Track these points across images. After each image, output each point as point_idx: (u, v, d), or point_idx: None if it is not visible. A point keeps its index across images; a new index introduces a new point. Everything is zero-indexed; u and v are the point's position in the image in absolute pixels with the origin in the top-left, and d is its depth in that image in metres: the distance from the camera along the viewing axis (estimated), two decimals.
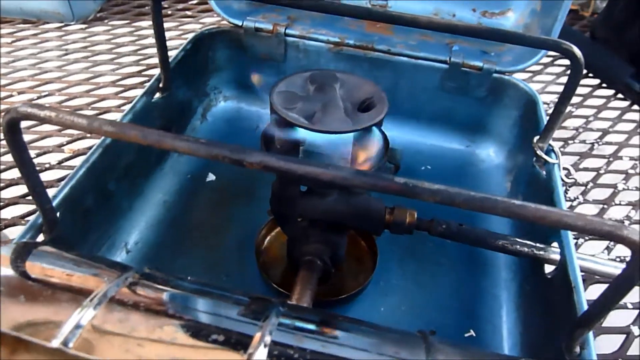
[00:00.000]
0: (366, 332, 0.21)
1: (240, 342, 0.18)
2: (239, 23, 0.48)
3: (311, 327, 0.20)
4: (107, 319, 0.19)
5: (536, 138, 0.38)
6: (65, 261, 0.24)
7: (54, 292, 0.20)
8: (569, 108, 0.61)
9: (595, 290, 0.42)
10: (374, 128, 0.31)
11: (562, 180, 0.37)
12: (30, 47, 0.63)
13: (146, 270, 0.23)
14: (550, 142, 0.38)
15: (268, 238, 0.41)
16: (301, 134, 0.29)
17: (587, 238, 0.45)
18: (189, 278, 0.23)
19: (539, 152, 0.38)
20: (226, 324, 0.20)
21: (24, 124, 0.50)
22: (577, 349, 0.27)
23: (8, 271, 0.21)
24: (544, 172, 0.38)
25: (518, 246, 0.34)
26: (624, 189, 0.52)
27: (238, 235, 0.42)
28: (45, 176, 0.47)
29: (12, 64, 0.60)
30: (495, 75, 0.46)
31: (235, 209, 0.44)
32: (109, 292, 0.20)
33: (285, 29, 0.48)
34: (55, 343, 0.17)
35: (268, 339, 0.18)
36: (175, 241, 0.41)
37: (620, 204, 0.50)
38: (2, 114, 0.51)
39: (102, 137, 0.36)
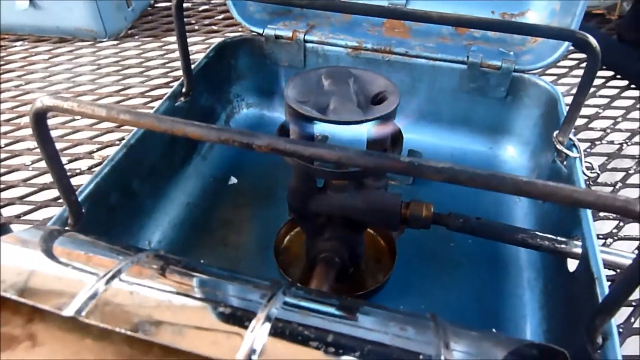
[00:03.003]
0: (372, 312, 0.21)
1: (245, 317, 0.19)
2: (260, 31, 0.50)
3: (316, 306, 0.21)
4: (118, 292, 0.19)
5: (556, 132, 0.38)
6: (87, 244, 0.25)
7: (72, 270, 0.21)
8: (595, 109, 0.60)
9: None
10: (388, 120, 0.31)
11: (585, 174, 0.36)
12: (65, 63, 0.66)
13: (160, 252, 0.23)
14: (571, 136, 0.38)
15: (287, 237, 0.42)
16: (315, 126, 0.30)
17: (615, 238, 0.44)
18: (201, 261, 0.24)
19: (558, 146, 0.37)
20: (233, 300, 0.20)
21: (56, 132, 0.53)
22: (600, 340, 0.26)
23: (32, 251, 0.22)
24: (565, 167, 0.37)
25: (539, 239, 0.33)
26: None
27: (258, 235, 0.43)
28: (76, 181, 0.49)
29: (49, 79, 0.63)
30: (514, 74, 0.46)
31: (257, 210, 0.45)
32: (123, 268, 0.21)
33: (305, 35, 0.49)
34: (69, 312, 0.18)
35: (272, 314, 0.19)
36: (197, 241, 0.42)
37: None
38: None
39: (126, 139, 0.37)
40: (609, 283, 0.30)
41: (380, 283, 0.38)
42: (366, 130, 0.30)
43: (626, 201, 0.19)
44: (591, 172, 0.37)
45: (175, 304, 0.19)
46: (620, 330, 0.38)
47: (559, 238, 0.33)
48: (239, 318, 0.19)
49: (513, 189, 0.20)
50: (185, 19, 0.76)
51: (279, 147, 0.22)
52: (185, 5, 0.82)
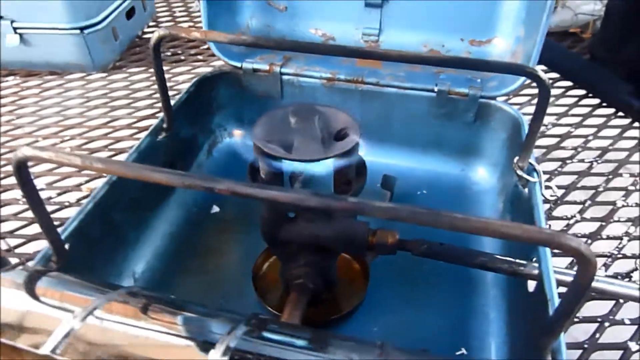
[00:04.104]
0: (326, 341, 0.23)
1: (206, 348, 0.20)
2: (239, 65, 0.52)
3: (274, 336, 0.22)
4: (92, 329, 0.21)
5: (516, 159, 0.40)
6: (67, 284, 0.27)
7: (51, 309, 0.23)
8: (567, 128, 0.62)
9: (589, 305, 0.42)
10: (351, 154, 0.33)
11: (545, 198, 0.38)
12: (55, 97, 0.69)
13: (133, 289, 0.25)
14: (532, 160, 0.40)
15: (266, 264, 0.43)
16: (281, 163, 0.32)
17: None
18: (172, 296, 0.26)
19: (519, 172, 0.39)
20: (197, 333, 0.22)
21: (45, 166, 0.55)
22: (549, 358, 0.28)
23: (12, 291, 0.24)
24: (526, 191, 0.39)
25: (498, 263, 0.35)
26: (623, 206, 0.52)
27: (239, 261, 0.44)
28: (64, 213, 0.51)
29: (39, 113, 0.66)
30: (481, 100, 0.48)
31: (238, 237, 0.47)
32: (98, 305, 0.22)
33: (281, 68, 0.51)
34: (45, 350, 0.20)
35: (231, 346, 0.21)
36: (180, 269, 0.44)
37: (619, 221, 0.50)
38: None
39: (109, 176, 0.39)
40: None
41: (354, 306, 0.39)
42: (331, 165, 0.32)
43: (552, 234, 0.21)
44: (551, 196, 0.38)
45: (144, 338, 0.21)
46: (586, 346, 0.40)
47: (517, 261, 0.34)
48: (202, 349, 0.21)
49: (448, 224, 0.22)
50: (172, 49, 0.79)
51: (237, 190, 0.24)
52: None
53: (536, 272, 0.34)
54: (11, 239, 0.48)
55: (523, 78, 0.47)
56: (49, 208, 0.46)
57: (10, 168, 0.56)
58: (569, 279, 0.38)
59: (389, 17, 0.54)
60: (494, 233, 0.22)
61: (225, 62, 0.52)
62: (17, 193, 0.53)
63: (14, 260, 0.46)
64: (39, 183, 0.54)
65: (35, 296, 0.25)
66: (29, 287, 0.26)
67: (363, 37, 0.55)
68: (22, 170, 0.27)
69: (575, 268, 0.23)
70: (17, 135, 0.62)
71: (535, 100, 0.66)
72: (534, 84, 0.34)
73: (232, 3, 0.55)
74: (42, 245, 0.47)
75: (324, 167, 0.32)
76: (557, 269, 0.34)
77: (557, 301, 0.31)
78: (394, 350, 0.22)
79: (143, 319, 0.23)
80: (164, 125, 0.45)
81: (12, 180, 0.55)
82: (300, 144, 0.32)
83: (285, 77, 0.52)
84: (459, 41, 0.54)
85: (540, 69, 0.35)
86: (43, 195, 0.46)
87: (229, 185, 0.24)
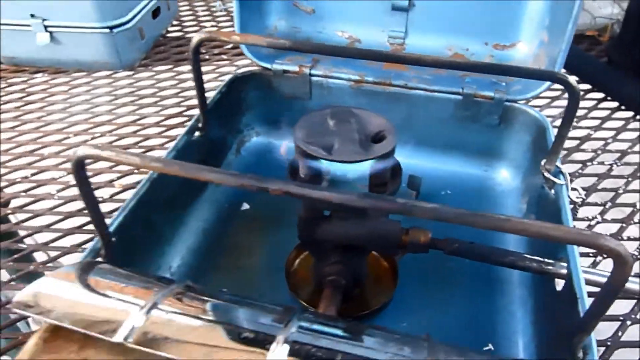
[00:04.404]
0: (374, 334, 0.24)
1: (266, 341, 0.22)
2: (268, 66, 0.53)
3: (326, 329, 0.24)
4: (157, 321, 0.23)
5: (543, 161, 0.41)
6: (122, 276, 0.28)
7: (115, 301, 0.25)
8: (587, 131, 0.63)
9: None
10: (389, 157, 0.35)
11: (571, 200, 0.39)
12: (83, 94, 0.70)
13: (188, 283, 0.27)
14: (558, 163, 0.41)
15: (298, 260, 0.45)
16: (322, 164, 0.33)
17: (604, 256, 0.46)
18: (224, 290, 0.27)
19: (546, 174, 0.40)
20: (255, 326, 0.23)
21: None
22: (581, 355, 0.29)
23: (76, 284, 0.26)
24: (553, 193, 0.40)
25: (527, 262, 0.36)
26: None
27: (270, 258, 0.46)
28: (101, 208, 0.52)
29: (68, 110, 0.67)
30: (506, 103, 0.49)
31: (268, 234, 0.48)
32: (159, 299, 0.24)
33: (310, 70, 0.53)
34: (118, 338, 0.21)
35: (289, 338, 0.22)
36: (213, 265, 0.45)
37: (639, 222, 0.51)
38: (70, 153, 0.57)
39: (149, 173, 0.41)
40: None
41: (383, 303, 0.41)
42: (368, 167, 0.34)
43: (591, 235, 0.23)
44: (577, 197, 0.40)
45: (205, 329, 0.23)
46: (609, 343, 0.41)
47: (546, 260, 0.36)
48: (261, 341, 0.22)
49: (491, 225, 0.23)
50: None
51: (290, 190, 0.25)
52: None
53: (564, 271, 0.35)
54: (48, 232, 0.49)
55: (547, 83, 0.48)
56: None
57: (42, 164, 0.58)
58: (594, 277, 0.39)
59: (415, 20, 0.55)
60: (536, 234, 0.23)
61: (255, 63, 0.54)
62: (51, 188, 0.55)
63: (52, 254, 0.47)
64: (71, 178, 0.56)
65: (95, 289, 0.26)
66: (88, 279, 0.27)
67: (389, 40, 0.56)
68: (80, 168, 0.29)
69: (598, 267, 0.24)
70: (48, 132, 0.63)
71: (555, 102, 0.67)
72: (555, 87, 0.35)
73: (261, 5, 0.56)
74: (78, 239, 0.49)
75: (364, 168, 0.33)
76: (583, 268, 0.35)
77: (586, 299, 0.32)
78: (438, 344, 0.24)
79: (202, 312, 0.24)
80: (199, 125, 0.46)
81: (45, 175, 0.57)
82: (341, 146, 0.33)
83: (314, 79, 0.53)
84: (482, 45, 0.55)
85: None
86: (75, 191, 0.48)
87: (281, 186, 0.25)
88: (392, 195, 0.37)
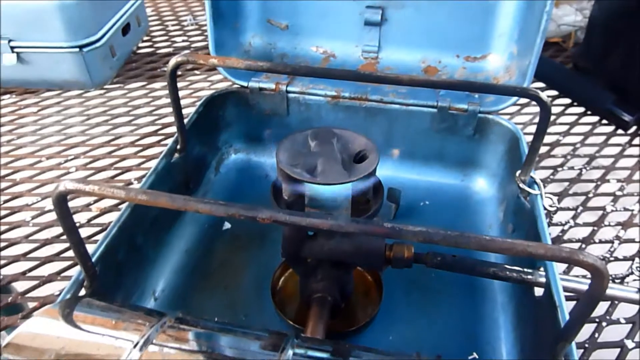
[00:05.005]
0: (368, 356, 0.25)
1: None
2: (245, 84, 0.54)
3: (321, 355, 0.24)
4: (152, 356, 0.22)
5: (518, 172, 0.42)
6: (108, 311, 0.28)
7: (103, 338, 0.24)
8: (556, 137, 0.65)
9: None
10: (372, 176, 0.35)
11: (546, 208, 0.41)
12: (54, 115, 0.69)
13: (179, 315, 0.27)
14: (532, 174, 0.42)
15: (282, 278, 0.45)
16: (305, 186, 0.34)
17: None
18: (215, 319, 0.27)
19: (521, 184, 0.42)
20: (250, 355, 0.24)
21: (49, 188, 0.55)
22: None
23: (65, 323, 0.25)
24: (528, 203, 0.42)
25: (507, 272, 0.37)
26: (612, 211, 0.55)
27: (254, 276, 0.46)
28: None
29: (39, 132, 0.66)
30: (480, 115, 0.50)
31: (251, 252, 0.48)
32: (151, 336, 0.24)
33: (287, 87, 0.53)
34: None
35: None
36: (197, 285, 0.45)
37: (609, 225, 0.53)
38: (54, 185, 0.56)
39: None
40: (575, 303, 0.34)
41: (371, 317, 0.41)
42: (351, 187, 0.34)
43: (570, 252, 0.24)
44: (550, 206, 0.41)
45: None
46: (587, 345, 0.42)
47: (525, 270, 0.37)
48: None
49: (477, 246, 0.24)
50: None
51: (279, 219, 0.25)
52: (167, 50, 0.85)
53: (543, 279, 0.36)
54: (25, 261, 0.48)
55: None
56: (60, 230, 0.46)
57: (15, 189, 0.57)
58: (570, 284, 0.41)
59: (388, 35, 0.56)
60: (520, 253, 0.24)
61: (232, 81, 0.54)
62: (26, 215, 0.53)
63: (29, 284, 0.46)
64: (46, 204, 0.55)
65: (84, 327, 0.26)
66: (75, 316, 0.27)
67: (363, 54, 0.57)
68: (62, 203, 0.28)
69: (571, 273, 0.25)
70: (19, 156, 0.62)
71: (524, 110, 0.69)
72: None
73: (235, 22, 0.56)
74: (57, 267, 0.48)
75: (347, 188, 0.33)
76: (561, 276, 0.36)
77: (565, 307, 0.33)
78: None
79: (196, 344, 0.24)
80: (178, 147, 0.46)
81: (19, 201, 0.55)
82: (324, 167, 0.33)
83: (291, 95, 0.53)
84: (454, 57, 0.57)
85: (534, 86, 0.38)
86: (54, 217, 0.46)
87: (270, 215, 0.25)
88: (376, 211, 0.38)
